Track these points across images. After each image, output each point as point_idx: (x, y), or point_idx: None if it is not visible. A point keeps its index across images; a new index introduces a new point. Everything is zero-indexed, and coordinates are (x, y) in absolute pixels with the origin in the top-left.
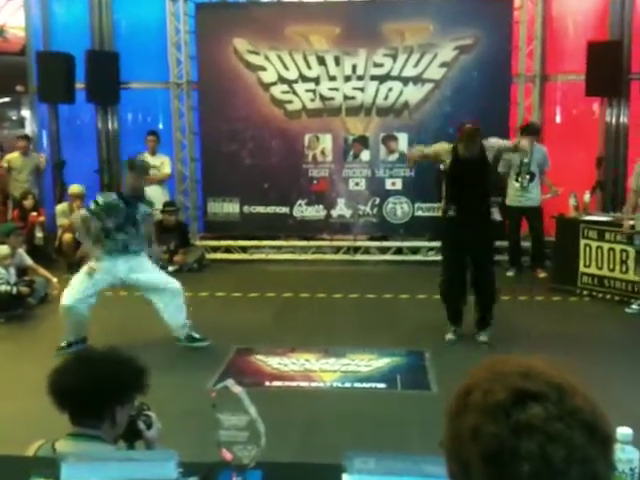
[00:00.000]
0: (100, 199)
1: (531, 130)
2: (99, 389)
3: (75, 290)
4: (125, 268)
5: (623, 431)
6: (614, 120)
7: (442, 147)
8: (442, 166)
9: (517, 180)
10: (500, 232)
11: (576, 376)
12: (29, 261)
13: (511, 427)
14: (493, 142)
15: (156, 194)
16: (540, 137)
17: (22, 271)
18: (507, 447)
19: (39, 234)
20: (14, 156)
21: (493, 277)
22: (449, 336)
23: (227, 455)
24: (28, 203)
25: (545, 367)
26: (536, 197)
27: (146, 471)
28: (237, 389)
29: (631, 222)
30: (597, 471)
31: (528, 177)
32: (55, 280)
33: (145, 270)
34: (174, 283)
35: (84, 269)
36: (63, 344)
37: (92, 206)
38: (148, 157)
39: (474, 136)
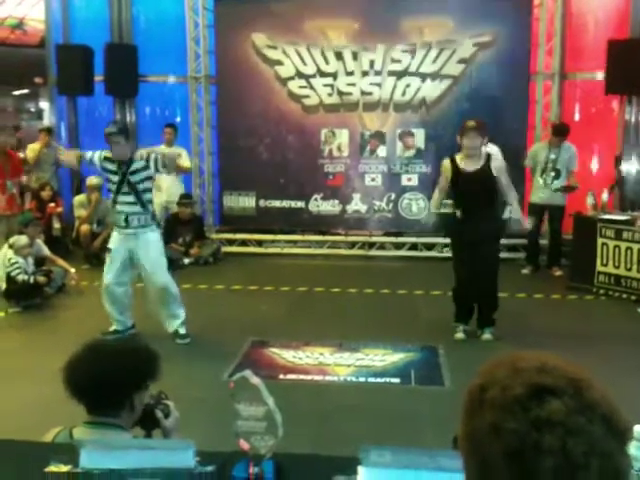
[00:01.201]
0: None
1: (560, 131)
2: (114, 379)
3: (105, 272)
4: (133, 243)
5: (636, 428)
6: (633, 118)
7: (444, 167)
8: (443, 180)
9: (542, 176)
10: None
11: (589, 371)
12: (47, 251)
13: (531, 422)
14: (499, 165)
15: (172, 186)
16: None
17: (40, 261)
18: (529, 443)
19: (57, 225)
20: (35, 147)
21: (495, 273)
22: (459, 335)
23: (244, 445)
24: (46, 194)
25: (560, 362)
26: (560, 195)
27: (164, 459)
28: (255, 380)
29: None
30: (616, 465)
31: (553, 174)
32: (73, 270)
33: (149, 250)
34: (169, 284)
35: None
36: (111, 329)
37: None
38: (166, 149)
39: (472, 129)
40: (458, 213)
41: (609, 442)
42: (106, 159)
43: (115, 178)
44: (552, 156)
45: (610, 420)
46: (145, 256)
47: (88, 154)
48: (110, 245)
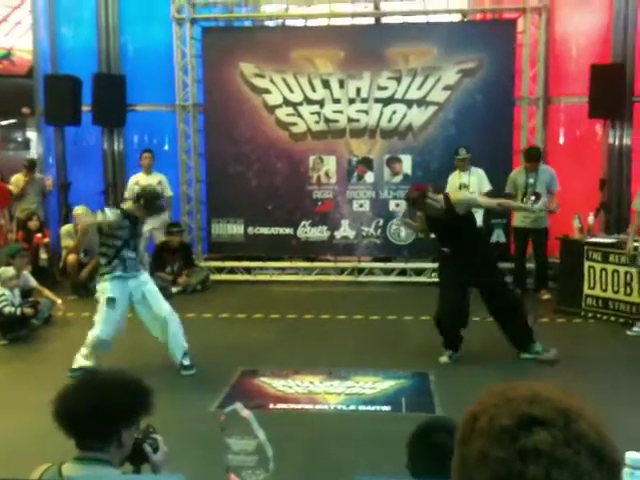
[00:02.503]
0: (107, 212)
1: (530, 156)
2: (105, 413)
3: (106, 324)
4: (134, 284)
5: (633, 456)
6: (617, 142)
7: (419, 220)
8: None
9: (522, 201)
10: (504, 253)
11: (582, 399)
12: (34, 283)
13: (517, 452)
14: (463, 198)
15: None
16: (543, 159)
17: (27, 292)
18: (514, 472)
19: (44, 255)
20: (19, 177)
21: (512, 298)
22: (444, 359)
23: None
24: (33, 224)
25: (553, 392)
26: (544, 218)
27: None
28: (246, 413)
29: (636, 244)
30: None
31: (533, 198)
32: (60, 301)
33: (149, 284)
34: (173, 315)
35: (102, 302)
36: (76, 366)
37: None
38: (143, 177)
39: (414, 203)
40: (445, 250)
41: (597, 474)
42: (123, 215)
43: (125, 233)
44: (530, 180)
45: (599, 452)
46: (148, 291)
47: (100, 216)
48: (110, 294)
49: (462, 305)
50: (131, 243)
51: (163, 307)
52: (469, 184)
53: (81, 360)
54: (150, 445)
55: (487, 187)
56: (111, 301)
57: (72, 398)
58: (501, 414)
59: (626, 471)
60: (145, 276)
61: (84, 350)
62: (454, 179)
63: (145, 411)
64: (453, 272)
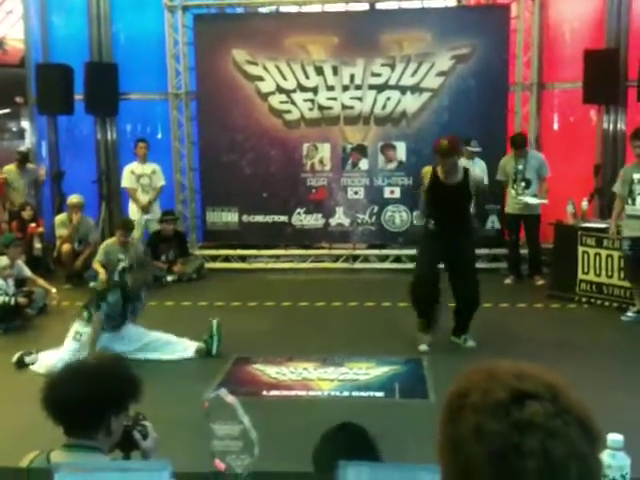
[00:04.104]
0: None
1: (516, 142)
2: (93, 400)
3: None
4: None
5: (614, 437)
6: (611, 127)
7: (425, 170)
8: (422, 186)
9: (513, 187)
10: (498, 240)
11: (571, 381)
12: (28, 272)
13: (512, 425)
14: (478, 177)
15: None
16: (532, 145)
17: (21, 282)
18: (510, 444)
19: (38, 245)
20: (11, 168)
21: (476, 288)
22: (423, 347)
23: (220, 465)
24: (27, 214)
25: (535, 369)
26: (535, 205)
27: None
28: (230, 398)
29: (617, 228)
30: (591, 468)
31: (523, 184)
32: (54, 290)
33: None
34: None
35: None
36: None
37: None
38: (138, 166)
39: (448, 153)
40: (431, 225)
41: (584, 445)
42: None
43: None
44: (519, 167)
45: (584, 424)
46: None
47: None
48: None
49: (434, 275)
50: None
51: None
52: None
53: None
54: (139, 432)
55: (485, 181)
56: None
57: (60, 385)
58: (494, 389)
59: (608, 452)
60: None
61: None
62: None
63: (133, 398)
64: (433, 246)
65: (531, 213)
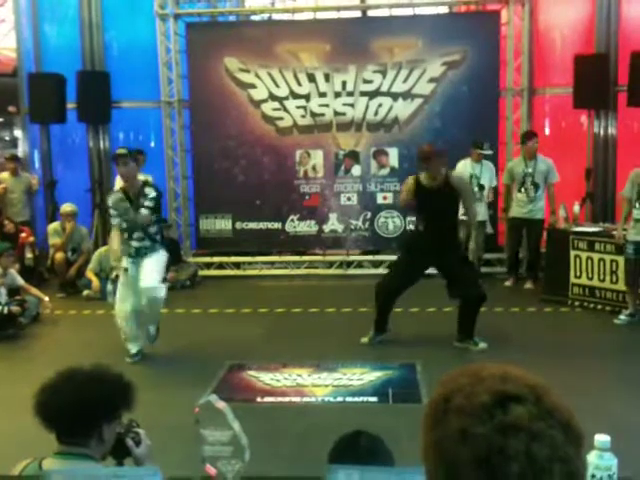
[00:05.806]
0: (108, 199)
1: (526, 135)
2: (85, 408)
3: (121, 298)
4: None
5: (601, 438)
6: (602, 132)
7: (406, 186)
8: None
9: (520, 191)
10: (492, 244)
11: (563, 384)
12: (20, 281)
13: (496, 427)
14: (463, 185)
15: None
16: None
17: (14, 291)
18: (495, 447)
19: (29, 255)
20: (4, 176)
21: (474, 282)
22: (365, 339)
23: (211, 470)
24: (8, 228)
25: (519, 371)
26: (540, 209)
27: None
28: (220, 404)
29: (624, 232)
30: (575, 470)
31: (533, 187)
32: (47, 299)
33: (151, 259)
34: (157, 290)
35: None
36: (134, 351)
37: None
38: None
39: (427, 158)
40: (421, 227)
41: (568, 447)
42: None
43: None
44: (529, 170)
45: (568, 426)
46: (146, 262)
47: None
48: (124, 264)
49: (398, 288)
50: (136, 229)
51: (152, 282)
52: (480, 176)
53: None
54: (132, 439)
55: (494, 183)
56: (125, 270)
57: (53, 393)
58: (478, 392)
59: (595, 453)
60: (154, 255)
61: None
62: (464, 168)
63: (126, 406)
64: (413, 262)
65: (534, 218)
